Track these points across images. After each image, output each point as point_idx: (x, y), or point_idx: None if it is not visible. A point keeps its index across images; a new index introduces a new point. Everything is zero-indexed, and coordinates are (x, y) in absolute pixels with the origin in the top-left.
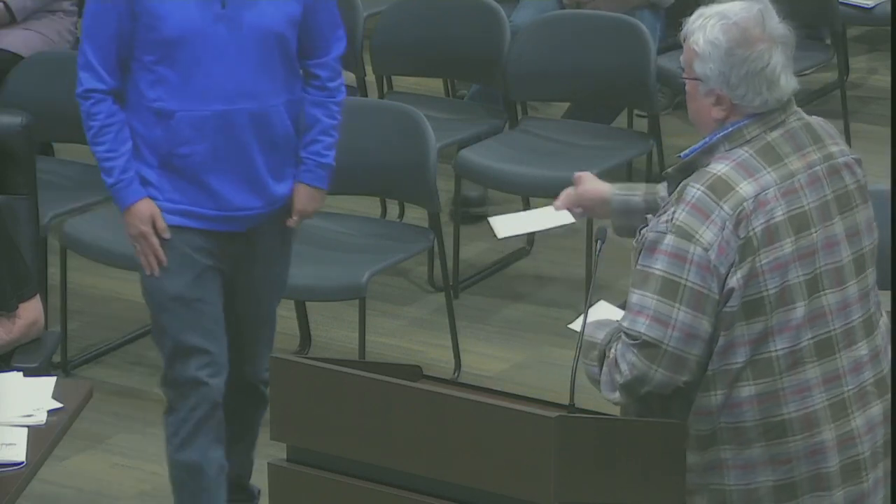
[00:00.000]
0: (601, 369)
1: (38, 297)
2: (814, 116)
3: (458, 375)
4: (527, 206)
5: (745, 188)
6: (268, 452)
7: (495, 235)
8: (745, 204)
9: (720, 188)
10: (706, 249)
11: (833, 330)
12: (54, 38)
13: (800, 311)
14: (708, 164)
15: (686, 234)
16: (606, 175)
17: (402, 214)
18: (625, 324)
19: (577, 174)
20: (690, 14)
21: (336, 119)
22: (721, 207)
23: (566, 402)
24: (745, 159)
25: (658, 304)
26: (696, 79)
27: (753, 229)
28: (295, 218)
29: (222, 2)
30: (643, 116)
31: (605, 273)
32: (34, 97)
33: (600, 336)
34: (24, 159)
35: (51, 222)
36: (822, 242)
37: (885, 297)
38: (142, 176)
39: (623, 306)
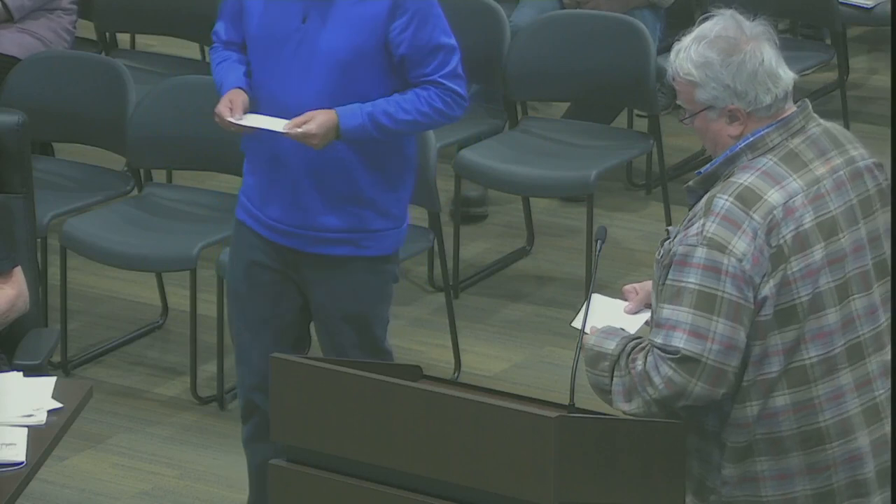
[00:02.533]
0: (612, 380)
1: (20, 269)
2: (832, 123)
3: (458, 375)
4: (527, 206)
5: (774, 196)
6: None
7: None
8: (774, 212)
9: (749, 198)
10: (740, 260)
11: (862, 335)
12: (51, 38)
13: (832, 317)
14: (731, 175)
15: (719, 246)
16: (606, 175)
17: None
18: (658, 340)
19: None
20: (691, 13)
21: (430, 108)
22: (751, 217)
23: (566, 402)
24: (770, 167)
25: (695, 318)
26: (704, 109)
27: (784, 237)
28: (292, 123)
29: (304, 17)
30: (643, 116)
31: (605, 273)
32: (33, 97)
33: (610, 346)
34: (20, 158)
35: (51, 222)
36: (851, 247)
37: None
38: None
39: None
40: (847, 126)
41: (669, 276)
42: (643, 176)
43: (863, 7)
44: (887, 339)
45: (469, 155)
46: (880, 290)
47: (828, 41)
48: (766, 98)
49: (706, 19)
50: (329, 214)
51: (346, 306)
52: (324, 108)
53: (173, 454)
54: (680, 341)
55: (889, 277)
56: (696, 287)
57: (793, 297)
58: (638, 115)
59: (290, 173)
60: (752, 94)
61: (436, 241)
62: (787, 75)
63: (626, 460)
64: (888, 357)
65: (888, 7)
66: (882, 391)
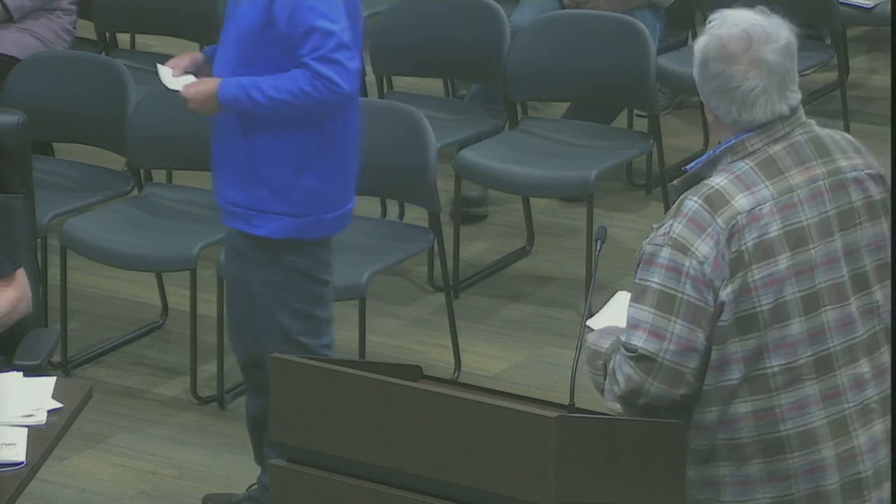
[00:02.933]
0: (605, 379)
1: (22, 271)
2: (831, 130)
3: (458, 375)
4: (527, 206)
5: (741, 202)
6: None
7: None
8: (738, 218)
9: (716, 201)
10: (701, 263)
11: (832, 347)
12: (50, 38)
13: (796, 327)
14: (710, 177)
15: (682, 248)
16: (606, 175)
17: (402, 214)
18: (623, 337)
19: None
20: (691, 13)
21: (298, 90)
22: (715, 221)
23: (566, 402)
24: (745, 172)
25: (655, 318)
26: None
27: (745, 244)
28: (189, 84)
29: None
30: (643, 116)
31: (605, 273)
32: (33, 97)
33: (605, 345)
34: (20, 158)
35: (51, 222)
36: (822, 258)
37: None
38: None
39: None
40: (847, 126)
41: (637, 275)
42: (643, 176)
43: (863, 7)
44: (861, 352)
45: (469, 155)
46: (858, 303)
47: (828, 41)
48: (727, 117)
49: (759, 11)
50: (231, 187)
51: (245, 283)
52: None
53: (173, 454)
54: (639, 340)
55: (867, 291)
56: (658, 287)
57: (753, 305)
58: (638, 115)
59: (213, 143)
60: (715, 104)
61: (436, 241)
62: (768, 111)
63: (626, 460)
64: (862, 370)
65: (888, 7)
66: (852, 404)
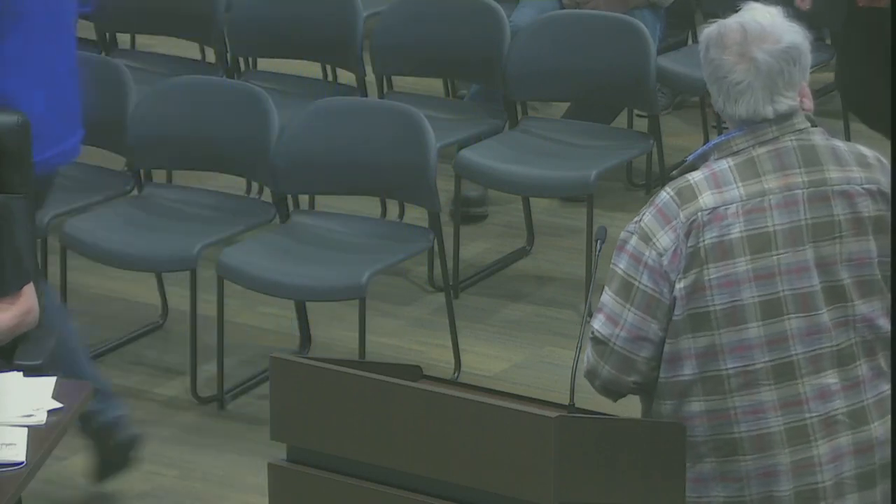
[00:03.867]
0: None
1: (31, 286)
2: (842, 141)
3: (458, 375)
4: (527, 206)
5: (706, 199)
6: (268, 452)
7: None
8: (699, 214)
9: (686, 195)
10: (660, 254)
11: (794, 355)
12: None
13: (753, 331)
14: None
15: (646, 237)
16: (606, 175)
17: (402, 214)
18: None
19: None
20: (691, 13)
21: None
22: (679, 215)
23: (566, 402)
24: (722, 171)
25: (613, 303)
26: None
27: (703, 241)
28: None
29: None
30: (643, 116)
31: (604, 273)
32: None
33: None
34: (20, 158)
35: (51, 222)
36: (789, 266)
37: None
38: None
39: None
40: (847, 126)
41: (612, 259)
42: (643, 176)
43: None
44: (829, 363)
45: (469, 155)
46: (832, 315)
47: (828, 41)
48: (716, 105)
49: (775, 11)
50: None
51: None
52: None
53: (173, 454)
54: (598, 323)
55: (843, 303)
56: (622, 274)
57: (706, 304)
58: (638, 115)
59: None
60: (710, 88)
61: (436, 241)
62: (748, 111)
63: (626, 460)
64: (828, 381)
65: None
66: (815, 414)
